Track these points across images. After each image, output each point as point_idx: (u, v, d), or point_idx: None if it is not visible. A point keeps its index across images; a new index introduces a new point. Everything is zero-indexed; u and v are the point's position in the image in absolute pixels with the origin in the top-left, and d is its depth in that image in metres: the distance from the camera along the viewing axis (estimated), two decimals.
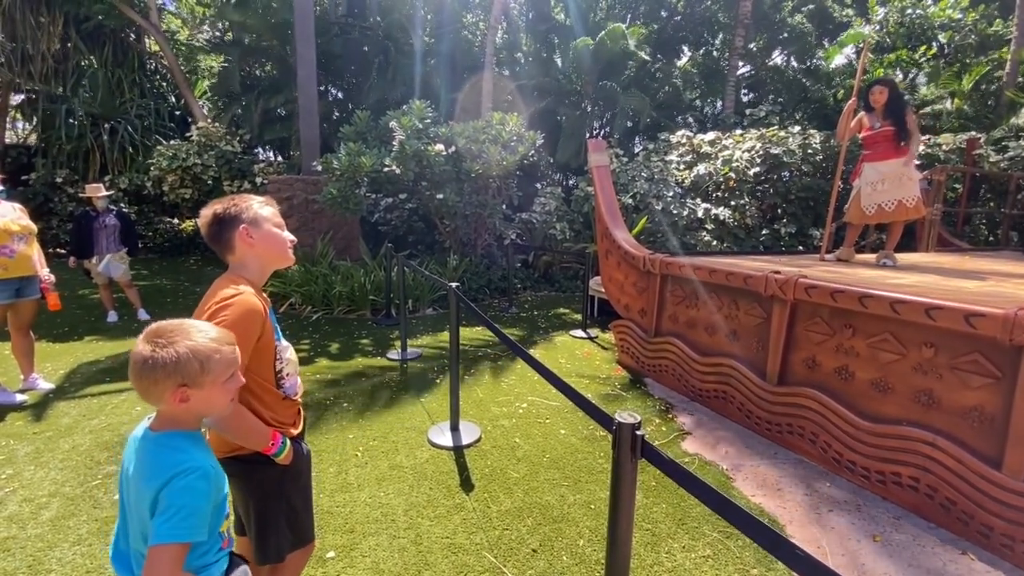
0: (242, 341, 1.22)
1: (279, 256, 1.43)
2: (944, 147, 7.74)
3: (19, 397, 3.63)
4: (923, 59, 10.72)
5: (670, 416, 3.62)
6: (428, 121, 6.95)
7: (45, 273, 3.74)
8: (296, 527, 1.48)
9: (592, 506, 2.54)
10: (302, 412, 1.57)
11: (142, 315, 5.93)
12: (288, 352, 1.45)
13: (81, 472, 2.75)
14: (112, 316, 5.87)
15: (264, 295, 1.41)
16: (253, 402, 1.34)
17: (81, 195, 9.35)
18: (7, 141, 11.95)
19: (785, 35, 13.22)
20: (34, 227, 3.74)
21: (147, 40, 12.31)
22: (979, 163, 7.48)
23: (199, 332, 1.03)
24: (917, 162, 7.23)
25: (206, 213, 1.36)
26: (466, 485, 2.71)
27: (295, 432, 1.48)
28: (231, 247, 1.36)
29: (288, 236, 1.45)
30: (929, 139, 8.00)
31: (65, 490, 2.58)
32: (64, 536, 2.23)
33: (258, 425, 1.31)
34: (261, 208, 1.39)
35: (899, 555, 2.20)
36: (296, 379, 1.49)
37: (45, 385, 3.90)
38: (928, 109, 9.79)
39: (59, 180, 10.66)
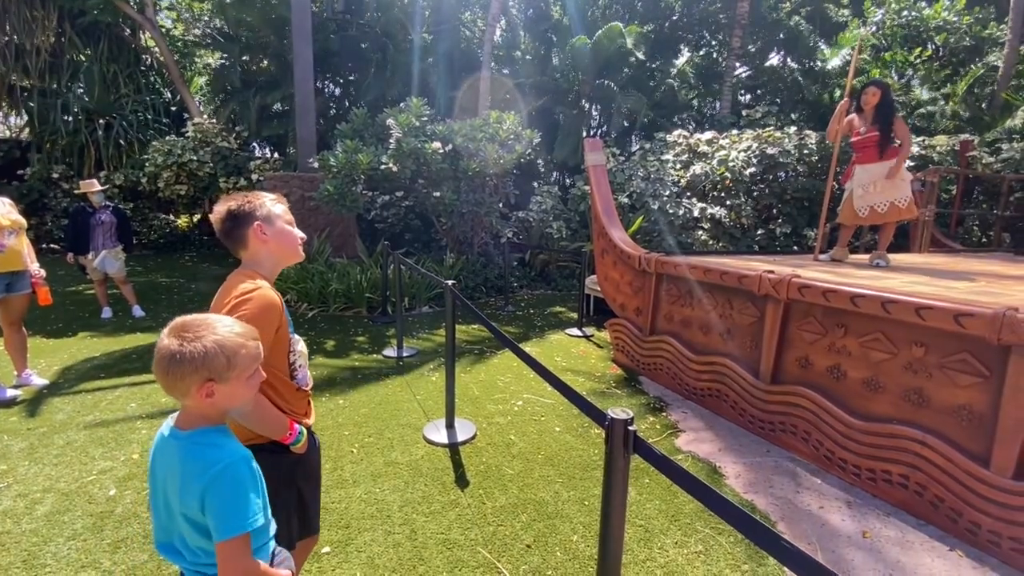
0: (263, 334, 1.27)
1: (291, 253, 1.47)
2: (938, 149, 7.80)
3: (11, 393, 3.62)
4: (918, 60, 10.78)
5: (664, 414, 3.64)
6: (425, 119, 6.95)
7: (35, 268, 3.74)
8: (305, 516, 1.52)
9: (586, 502, 2.56)
10: (312, 403, 1.61)
11: (137, 312, 5.91)
12: (299, 345, 1.50)
13: (76, 468, 2.75)
14: (107, 312, 5.86)
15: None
16: (270, 393, 1.38)
17: (76, 191, 9.30)
18: (1, 136, 11.88)
19: (783, 36, 13.26)
20: (24, 222, 3.73)
21: (142, 35, 12.24)
22: (972, 165, 7.54)
23: (224, 326, 1.04)
24: (911, 164, 7.29)
25: (220, 210, 1.38)
26: (461, 482, 2.72)
27: (309, 422, 1.53)
28: (244, 243, 1.39)
29: (298, 233, 1.49)
30: (923, 141, 8.06)
31: (60, 485, 2.58)
32: (59, 531, 2.23)
33: (279, 415, 1.36)
34: (274, 205, 1.43)
35: (888, 551, 2.23)
36: (306, 371, 1.54)
37: (39, 381, 3.89)
38: (922, 110, 9.85)
39: (54, 176, 10.61)
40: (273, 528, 1.19)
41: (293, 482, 1.47)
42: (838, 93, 11.72)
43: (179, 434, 1.05)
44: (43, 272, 3.79)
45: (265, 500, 1.09)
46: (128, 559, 2.08)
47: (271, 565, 1.12)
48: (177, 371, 0.97)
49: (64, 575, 1.98)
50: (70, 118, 10.71)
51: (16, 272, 3.64)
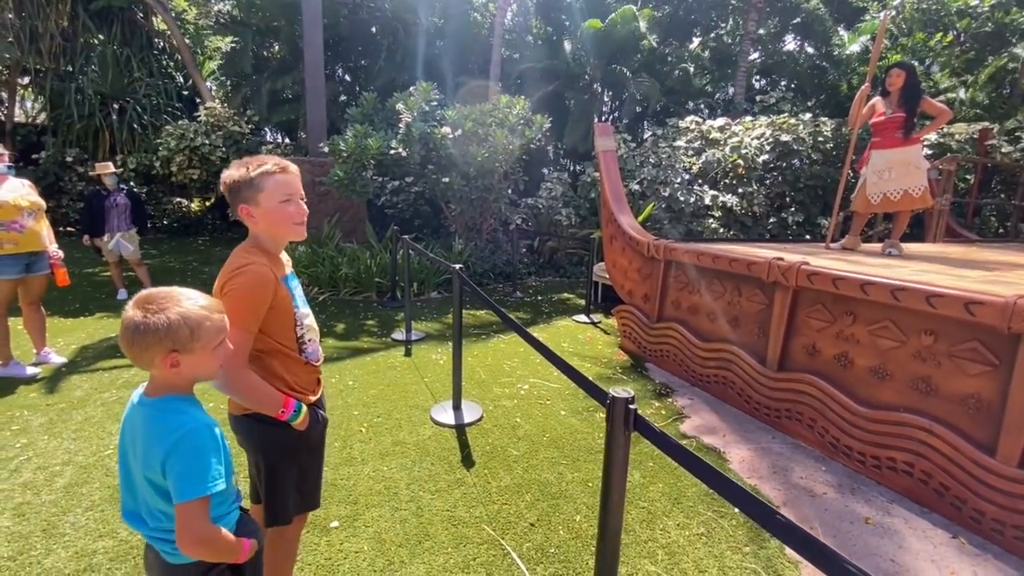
0: (253, 308, 1.29)
1: (284, 231, 1.39)
2: (957, 137, 7.64)
3: (31, 370, 3.72)
4: (939, 46, 10.51)
5: (670, 399, 3.65)
6: (435, 103, 6.92)
7: (54, 249, 3.80)
8: (304, 491, 1.53)
9: (589, 484, 2.60)
10: (322, 380, 1.61)
11: None
12: (308, 319, 1.49)
13: (93, 442, 2.83)
14: (122, 294, 5.96)
15: (282, 261, 1.45)
16: (278, 367, 1.40)
17: (91, 174, 9.40)
18: (17, 120, 12.01)
19: (799, 20, 12.96)
20: (43, 203, 3.78)
21: (155, 19, 12.26)
22: (991, 154, 7.38)
23: (189, 299, 1.06)
24: (928, 152, 7.16)
25: (222, 179, 1.37)
26: (467, 462, 2.77)
27: (313, 399, 1.52)
28: (240, 218, 1.39)
29: (296, 209, 1.38)
30: (942, 128, 7.90)
31: (78, 459, 2.66)
32: (77, 502, 2.31)
33: (269, 392, 1.34)
34: (264, 180, 1.32)
35: (890, 537, 2.24)
36: (316, 346, 1.54)
37: (57, 359, 3.99)
38: (942, 97, 9.63)
39: (69, 159, 10.72)
40: (238, 499, 1.21)
41: (293, 456, 1.47)
42: (856, 79, 11.47)
43: (146, 401, 1.09)
44: (61, 253, 3.86)
45: (229, 468, 1.12)
46: None
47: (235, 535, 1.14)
48: (141, 342, 1.01)
49: (83, 544, 2.05)
50: (84, 101, 10.78)
51: (35, 253, 3.70)
